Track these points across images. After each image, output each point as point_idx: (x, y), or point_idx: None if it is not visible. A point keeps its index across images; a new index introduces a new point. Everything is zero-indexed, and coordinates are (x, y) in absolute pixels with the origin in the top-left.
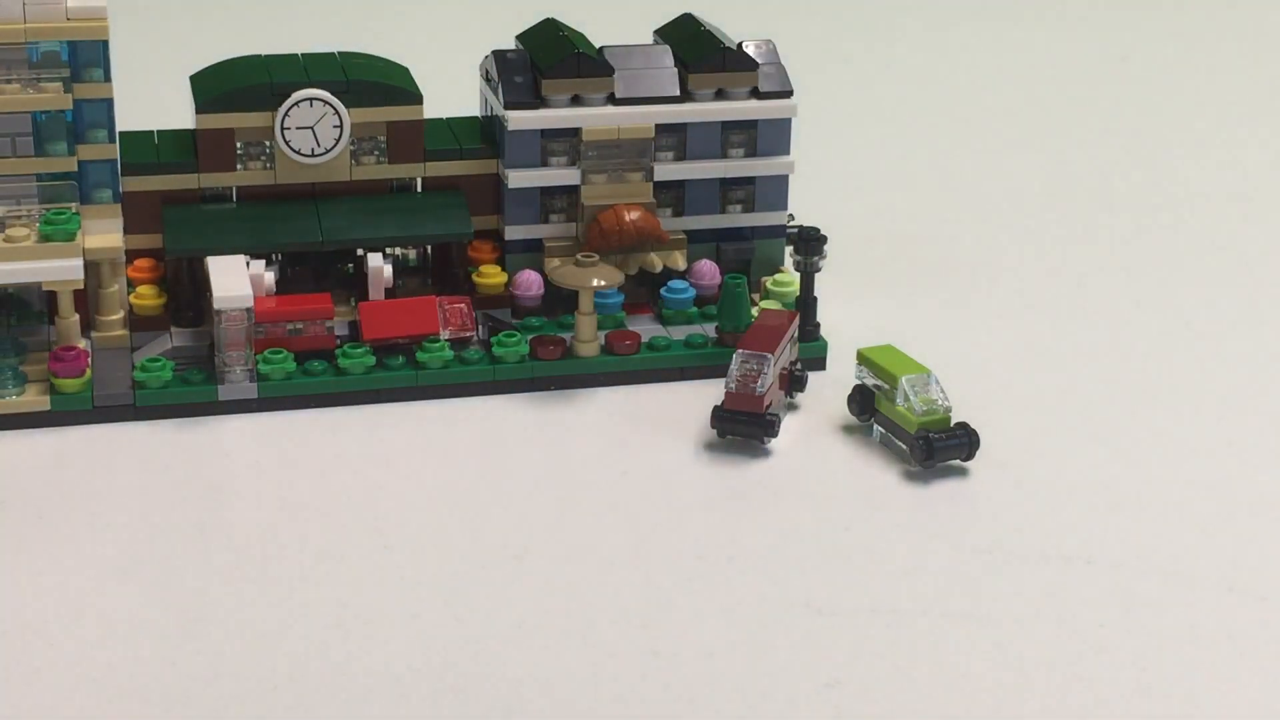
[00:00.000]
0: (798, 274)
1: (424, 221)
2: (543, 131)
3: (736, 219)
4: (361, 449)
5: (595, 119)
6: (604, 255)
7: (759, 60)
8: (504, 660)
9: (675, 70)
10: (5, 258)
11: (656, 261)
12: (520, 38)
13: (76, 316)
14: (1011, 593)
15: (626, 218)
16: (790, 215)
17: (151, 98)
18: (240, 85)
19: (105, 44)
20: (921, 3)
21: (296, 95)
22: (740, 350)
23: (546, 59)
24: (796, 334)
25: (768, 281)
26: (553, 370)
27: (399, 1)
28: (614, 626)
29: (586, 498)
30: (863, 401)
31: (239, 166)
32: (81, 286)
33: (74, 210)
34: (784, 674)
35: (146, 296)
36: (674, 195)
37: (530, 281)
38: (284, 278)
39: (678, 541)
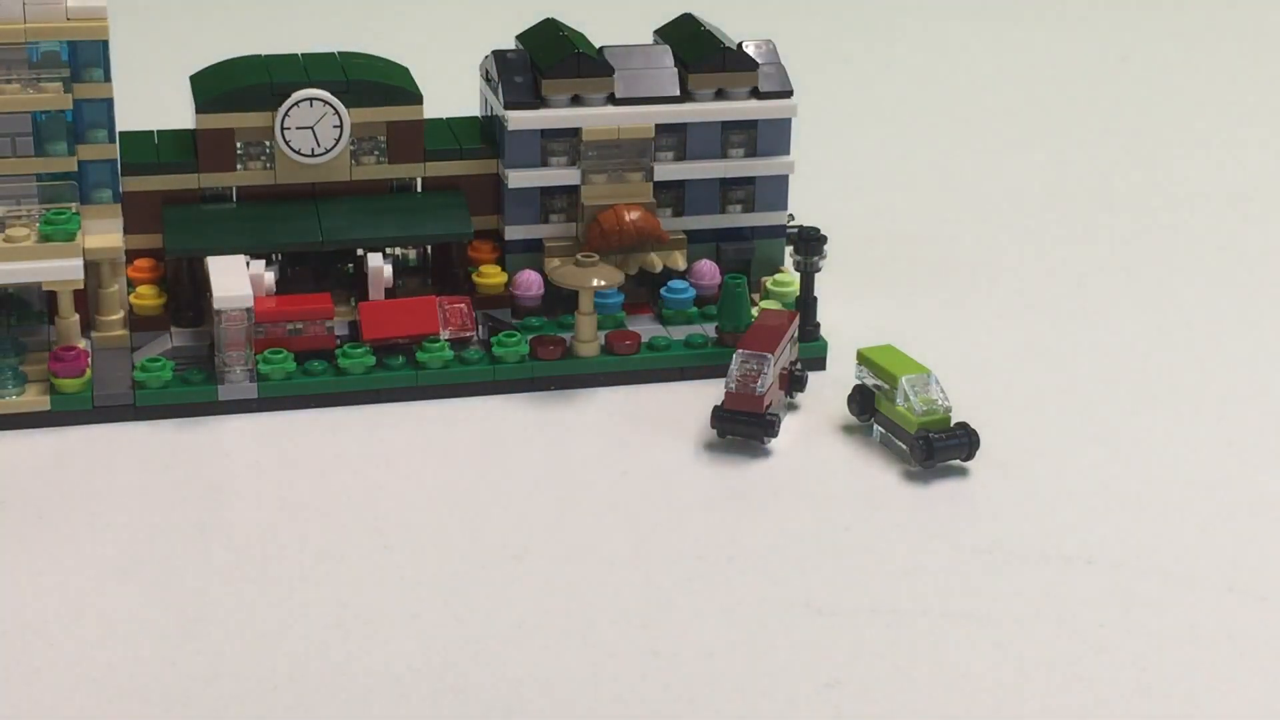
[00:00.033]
0: (798, 274)
1: (424, 221)
2: (543, 131)
3: (736, 219)
4: (361, 449)
5: (595, 119)
6: (604, 255)
7: (759, 60)
8: (504, 660)
9: (675, 70)
10: (5, 258)
11: (656, 261)
12: (520, 38)
13: (76, 316)
14: (1011, 593)
15: (626, 218)
16: (790, 215)
17: (151, 98)
18: (240, 85)
19: (105, 44)
20: (921, 3)
21: (296, 95)
22: (740, 350)
23: (546, 59)
24: (796, 334)
25: (768, 281)
26: (553, 370)
27: (399, 1)
28: (614, 626)
29: (586, 498)
30: (863, 401)
31: (239, 166)
32: (81, 286)
33: (74, 210)
34: (784, 674)
35: (146, 296)
36: (674, 195)
37: (530, 281)
38: (284, 278)
39: (678, 541)
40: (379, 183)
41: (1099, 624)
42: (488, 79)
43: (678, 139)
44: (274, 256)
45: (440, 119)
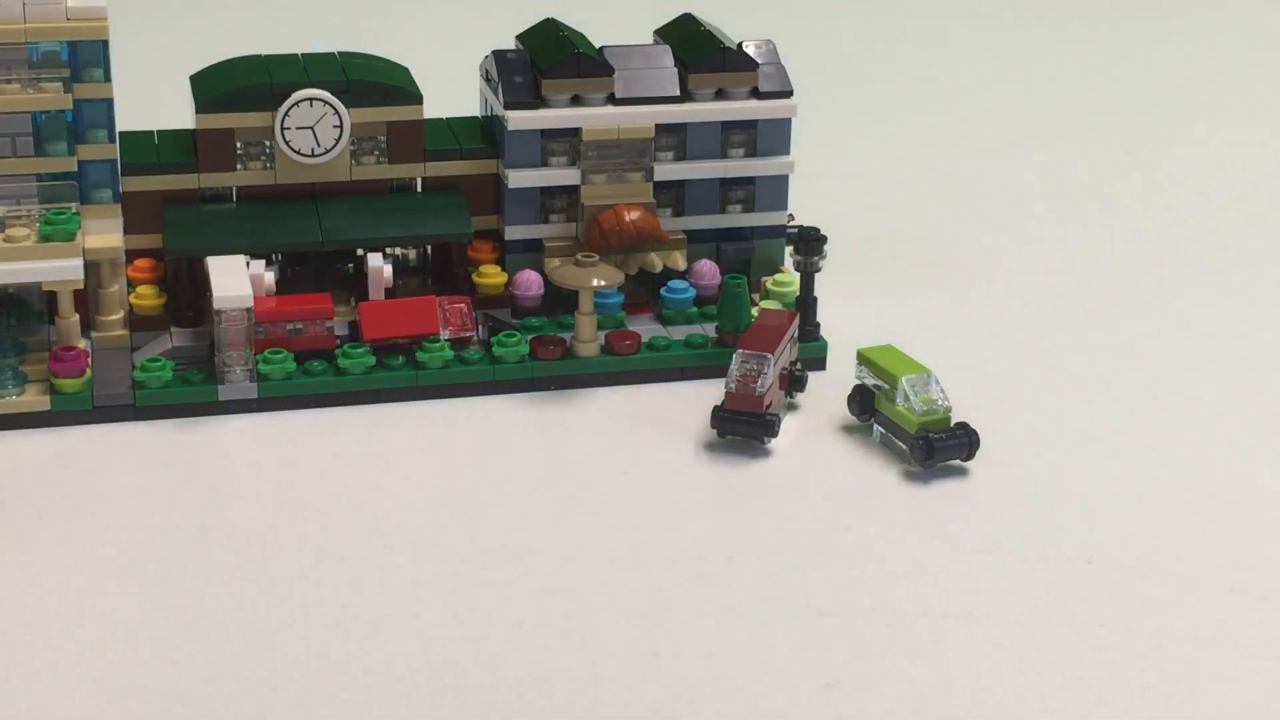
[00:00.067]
0: (798, 274)
1: (424, 221)
2: (543, 131)
3: (736, 219)
4: (361, 449)
5: (595, 119)
6: (604, 255)
7: (759, 60)
8: (504, 660)
9: (675, 70)
10: (5, 258)
11: (656, 261)
12: (520, 38)
13: (76, 316)
14: (1011, 593)
15: (626, 218)
16: (790, 215)
17: (151, 98)
18: (240, 85)
19: (105, 44)
20: (921, 3)
21: (296, 95)
22: (740, 350)
23: (546, 59)
24: (796, 334)
25: (768, 281)
26: (553, 370)
27: (399, 1)
28: (614, 626)
29: (586, 498)
30: (863, 401)
31: (239, 166)
32: (81, 286)
33: (74, 210)
34: (784, 674)
35: (146, 296)
36: (674, 195)
37: (530, 281)
38: (284, 278)
39: (678, 541)
40: (379, 183)
41: (1099, 624)
42: (488, 79)
43: (678, 139)
44: (274, 256)
45: (440, 119)
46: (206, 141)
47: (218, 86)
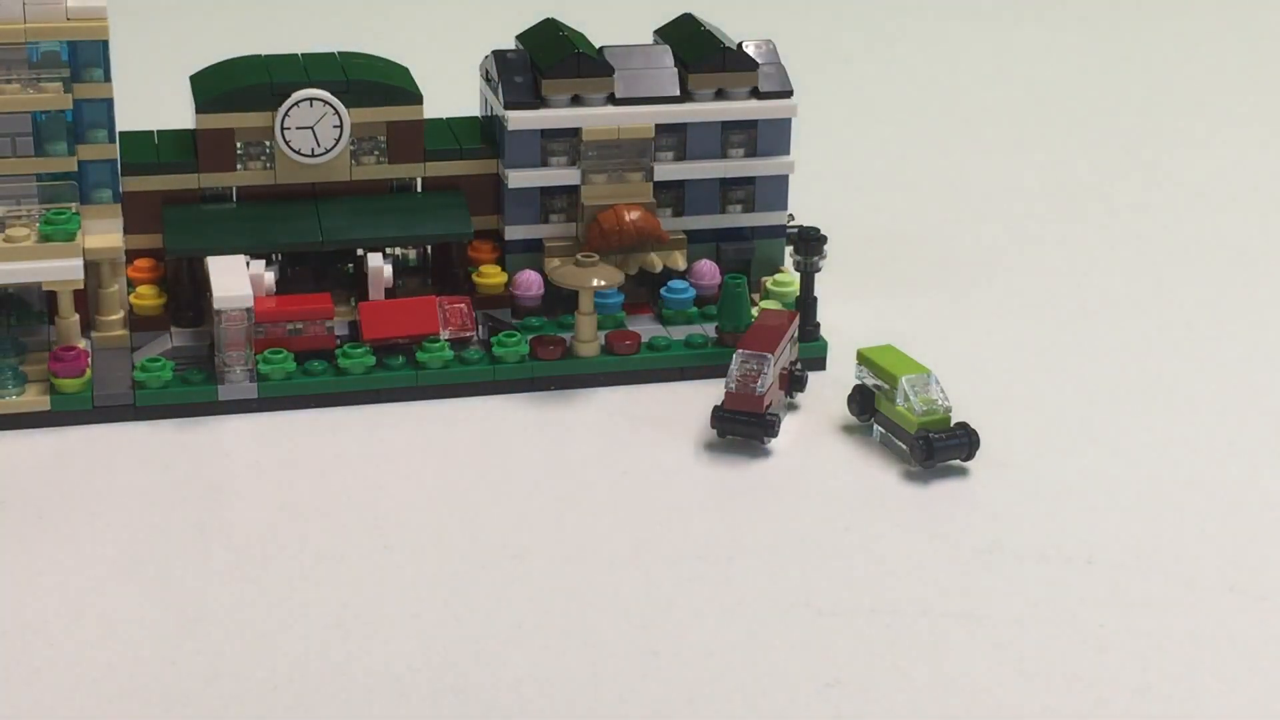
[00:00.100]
0: (798, 274)
1: (424, 221)
2: (543, 131)
3: (736, 219)
4: (361, 449)
5: (595, 119)
6: (604, 255)
7: (759, 60)
8: (504, 660)
9: (675, 70)
10: (5, 258)
11: (656, 261)
12: (520, 38)
13: (76, 316)
14: (1011, 593)
15: (626, 218)
16: (790, 215)
17: (151, 98)
18: (240, 85)
19: (105, 44)
20: (921, 3)
21: (296, 95)
22: (740, 350)
23: (546, 59)
24: (796, 334)
25: (768, 281)
26: (553, 370)
27: (399, 1)
28: (614, 626)
29: (586, 498)
30: (863, 401)
31: (239, 166)
32: (81, 286)
33: (74, 210)
34: (784, 674)
35: (146, 296)
36: (674, 195)
37: (530, 281)
38: (284, 278)
39: (678, 541)
40: (379, 183)
41: (1099, 624)
42: (488, 79)
43: (678, 139)
44: (274, 256)
45: (440, 119)
46: (206, 141)
47: (218, 86)
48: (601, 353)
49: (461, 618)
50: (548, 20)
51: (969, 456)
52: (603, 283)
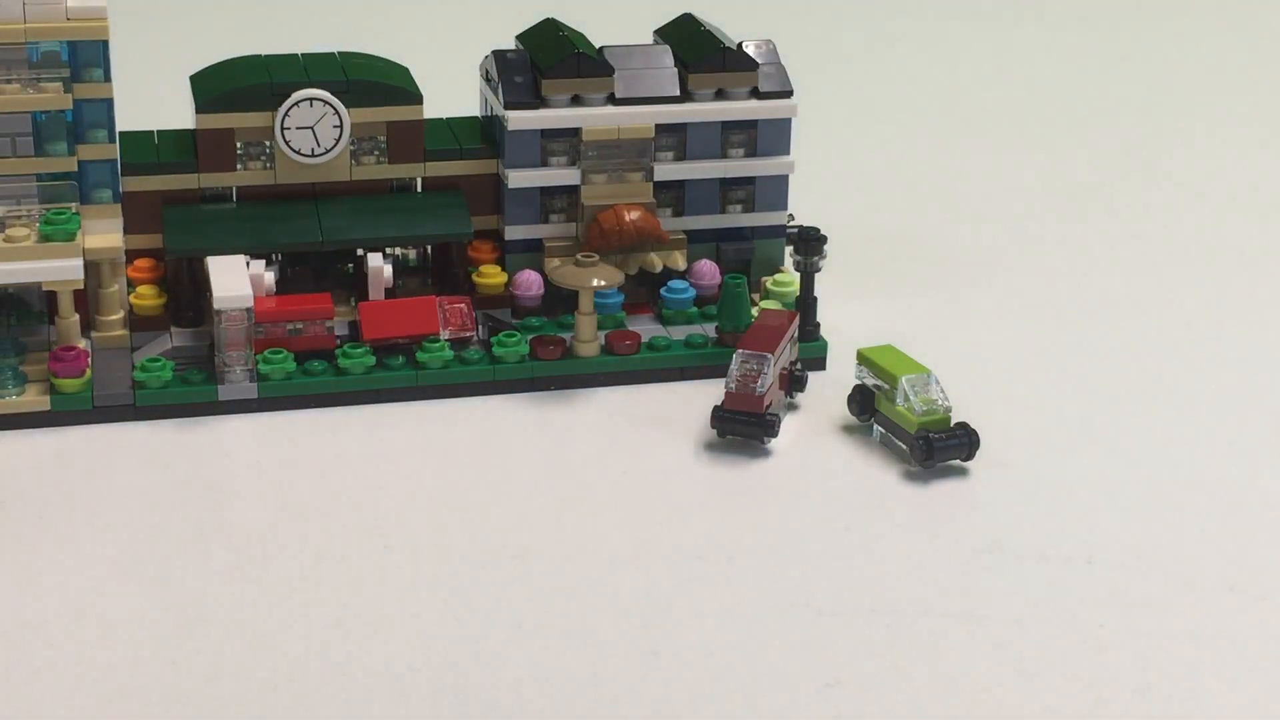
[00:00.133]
0: (798, 274)
1: (424, 221)
2: (543, 131)
3: (736, 219)
4: (361, 449)
5: (595, 119)
6: (604, 255)
7: (759, 60)
8: (504, 660)
9: (675, 70)
10: (5, 258)
11: (656, 261)
12: (520, 38)
13: (76, 316)
14: (1011, 593)
15: (626, 218)
16: (790, 215)
17: (151, 98)
18: (240, 85)
19: (105, 44)
20: (921, 3)
21: (296, 95)
22: (740, 350)
23: (546, 59)
24: (796, 334)
25: (768, 281)
26: (553, 370)
27: (399, 1)
28: (614, 626)
29: (586, 498)
30: (863, 401)
31: (239, 166)
32: (81, 286)
33: (74, 210)
34: (784, 674)
35: (146, 296)
36: (674, 195)
37: (530, 281)
38: (284, 278)
39: (678, 541)
40: (379, 183)
41: (1099, 624)
42: (488, 79)
43: (678, 139)
44: (274, 256)
45: (440, 119)
46: (206, 141)
47: (218, 86)
48: (601, 353)
49: (461, 618)
50: (548, 20)
51: (969, 456)
52: (603, 283)
